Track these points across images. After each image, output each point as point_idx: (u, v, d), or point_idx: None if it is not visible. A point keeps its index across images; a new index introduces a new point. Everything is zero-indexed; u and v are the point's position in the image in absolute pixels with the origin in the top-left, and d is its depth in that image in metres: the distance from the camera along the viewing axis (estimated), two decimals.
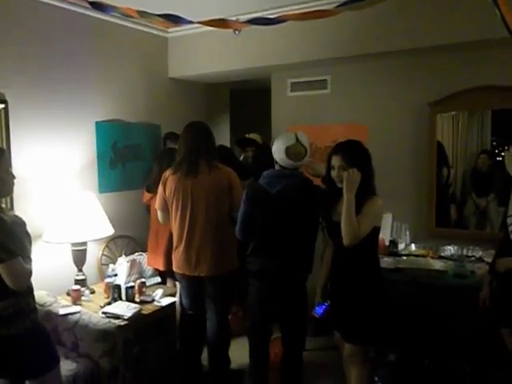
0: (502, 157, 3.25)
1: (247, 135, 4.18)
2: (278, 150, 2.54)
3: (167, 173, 2.96)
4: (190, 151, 2.87)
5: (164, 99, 4.18)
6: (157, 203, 3.03)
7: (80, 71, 3.37)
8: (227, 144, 5.21)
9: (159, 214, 3.05)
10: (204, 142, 2.89)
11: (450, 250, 3.13)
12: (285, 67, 3.87)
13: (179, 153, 2.94)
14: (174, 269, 3.01)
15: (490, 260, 2.81)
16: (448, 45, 3.04)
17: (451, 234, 3.28)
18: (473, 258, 3.01)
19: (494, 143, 3.34)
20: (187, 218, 2.87)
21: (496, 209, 3.27)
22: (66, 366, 2.44)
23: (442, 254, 3.14)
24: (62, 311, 2.76)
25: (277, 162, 2.58)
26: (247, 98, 5.60)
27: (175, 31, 4.07)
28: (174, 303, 3.10)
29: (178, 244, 2.94)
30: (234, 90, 5.43)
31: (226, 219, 2.91)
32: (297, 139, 2.51)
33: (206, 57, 3.97)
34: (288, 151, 2.50)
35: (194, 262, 2.89)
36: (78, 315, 2.73)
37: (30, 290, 2.00)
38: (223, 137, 5.31)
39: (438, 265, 2.98)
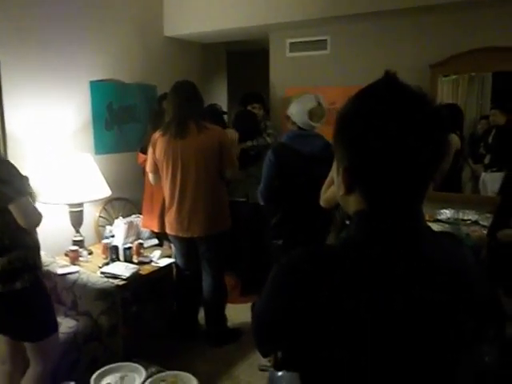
0: None
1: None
2: (299, 112, 2.54)
3: (156, 134, 2.92)
4: (178, 112, 2.82)
5: (160, 59, 4.07)
6: (147, 165, 3.02)
7: (74, 29, 3.25)
8: (224, 105, 5.12)
9: (150, 175, 3.04)
10: (191, 102, 2.84)
11: (446, 213, 3.15)
12: (283, 26, 3.75)
13: (167, 114, 2.90)
14: (167, 231, 3.03)
15: (485, 223, 2.83)
16: (450, 3, 2.95)
17: (448, 197, 3.29)
18: (468, 222, 3.03)
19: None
20: (178, 179, 2.85)
21: (491, 174, 3.29)
22: (67, 324, 2.49)
23: (439, 218, 3.16)
24: (60, 271, 2.77)
25: (294, 123, 2.57)
26: (244, 60, 5.48)
27: None
28: (171, 264, 3.14)
29: (170, 206, 2.95)
30: (231, 51, 5.31)
31: (217, 179, 2.90)
32: (318, 102, 2.53)
33: (202, 14, 3.83)
34: (311, 113, 2.51)
35: (186, 223, 2.90)
36: (76, 275, 2.75)
37: (38, 247, 2.06)
38: (220, 98, 5.22)
39: (434, 228, 2.98)
